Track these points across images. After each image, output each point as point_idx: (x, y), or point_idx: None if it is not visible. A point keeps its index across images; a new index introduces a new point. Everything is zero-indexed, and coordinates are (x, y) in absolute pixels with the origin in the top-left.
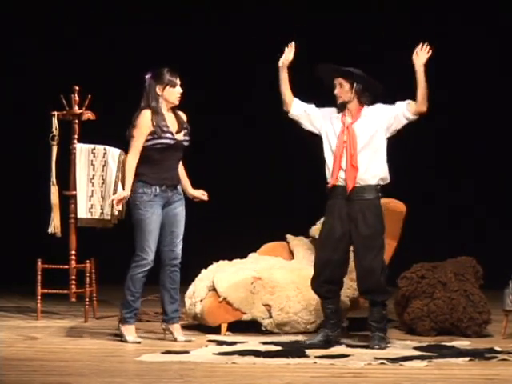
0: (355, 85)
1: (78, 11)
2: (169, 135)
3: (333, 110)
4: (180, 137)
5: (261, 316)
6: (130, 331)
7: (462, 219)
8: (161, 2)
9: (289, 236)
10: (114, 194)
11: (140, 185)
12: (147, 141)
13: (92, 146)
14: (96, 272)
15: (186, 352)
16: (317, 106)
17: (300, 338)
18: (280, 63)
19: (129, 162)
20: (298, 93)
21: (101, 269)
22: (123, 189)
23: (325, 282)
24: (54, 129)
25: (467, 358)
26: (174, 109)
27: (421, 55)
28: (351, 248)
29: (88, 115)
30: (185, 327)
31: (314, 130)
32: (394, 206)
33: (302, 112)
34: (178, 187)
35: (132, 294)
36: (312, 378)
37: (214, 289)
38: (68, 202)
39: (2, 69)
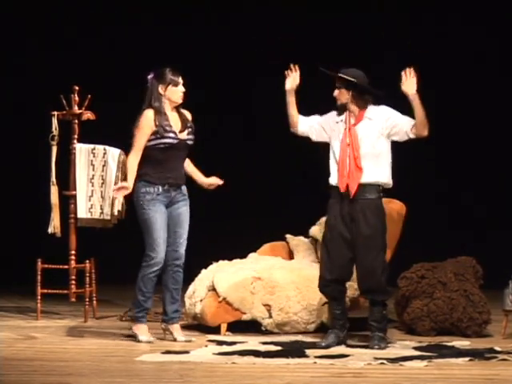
0: (351, 89)
1: (78, 11)
2: (172, 135)
3: (335, 113)
4: (183, 136)
5: (261, 316)
6: (142, 330)
7: (462, 219)
8: (161, 2)
9: (289, 236)
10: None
11: (142, 184)
12: (150, 141)
13: (92, 146)
14: (96, 272)
15: (186, 352)
16: (317, 107)
17: (300, 337)
18: (287, 87)
19: (130, 161)
20: (299, 92)
21: (101, 269)
22: None
23: (332, 282)
24: (53, 129)
25: (467, 358)
26: (177, 108)
27: (409, 83)
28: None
29: (88, 115)
30: (185, 327)
31: (323, 140)
32: (394, 205)
33: (308, 127)
34: (182, 187)
35: (143, 294)
36: (312, 378)
37: (213, 289)
38: (68, 202)
39: (2, 69)
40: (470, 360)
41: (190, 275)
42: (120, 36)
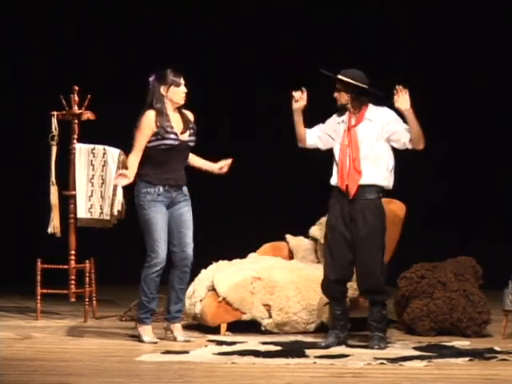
0: (351, 91)
1: (78, 11)
2: (173, 136)
3: (336, 114)
4: (185, 137)
5: (260, 316)
6: (146, 331)
7: (462, 219)
8: (161, 2)
9: (288, 236)
10: (114, 194)
11: (143, 185)
12: (151, 142)
13: (91, 146)
14: (96, 272)
15: (186, 352)
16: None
17: (300, 337)
18: (294, 107)
19: (130, 160)
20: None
21: (100, 269)
22: (122, 189)
23: (335, 282)
24: (53, 129)
25: (467, 358)
26: (180, 109)
27: (402, 100)
28: None
29: (88, 115)
30: (185, 327)
31: (332, 147)
32: (394, 206)
33: (315, 139)
34: (183, 188)
35: (146, 295)
36: (312, 378)
37: (213, 289)
38: (68, 202)
39: (2, 69)
40: (470, 360)
41: (190, 275)
42: (120, 36)
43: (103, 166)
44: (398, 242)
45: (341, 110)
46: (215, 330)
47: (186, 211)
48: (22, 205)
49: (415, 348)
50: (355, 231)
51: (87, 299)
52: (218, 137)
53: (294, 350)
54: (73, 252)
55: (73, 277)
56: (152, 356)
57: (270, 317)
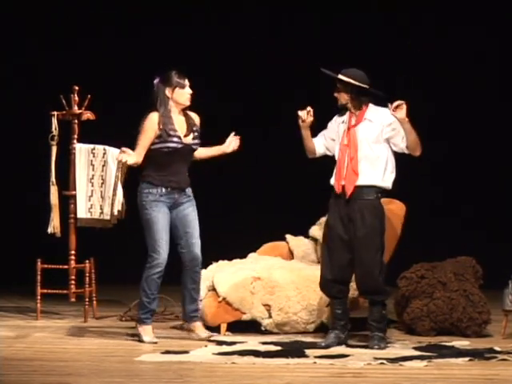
0: (350, 90)
1: (78, 11)
2: (175, 139)
3: (338, 115)
4: (188, 140)
5: (260, 316)
6: (146, 331)
7: (462, 219)
8: (161, 2)
9: (288, 236)
10: (114, 194)
11: (145, 186)
12: (154, 144)
13: (92, 145)
14: (96, 272)
15: (186, 352)
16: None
17: (300, 337)
18: (302, 125)
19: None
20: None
21: (100, 269)
22: (123, 189)
23: (333, 281)
24: (53, 129)
25: (467, 358)
26: (185, 111)
27: (398, 111)
28: None
29: (88, 115)
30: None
31: None
32: (394, 206)
33: (323, 149)
34: (186, 190)
35: (147, 296)
36: (312, 378)
37: (213, 289)
38: (68, 202)
39: (2, 69)
40: (470, 360)
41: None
42: (120, 36)
43: (103, 166)
44: (398, 241)
45: (342, 110)
46: (215, 330)
47: (190, 211)
48: (22, 205)
49: (415, 348)
50: (353, 231)
51: (87, 299)
52: (218, 137)
53: (293, 350)
54: (73, 252)
55: (73, 277)
56: (152, 356)
57: (270, 317)
